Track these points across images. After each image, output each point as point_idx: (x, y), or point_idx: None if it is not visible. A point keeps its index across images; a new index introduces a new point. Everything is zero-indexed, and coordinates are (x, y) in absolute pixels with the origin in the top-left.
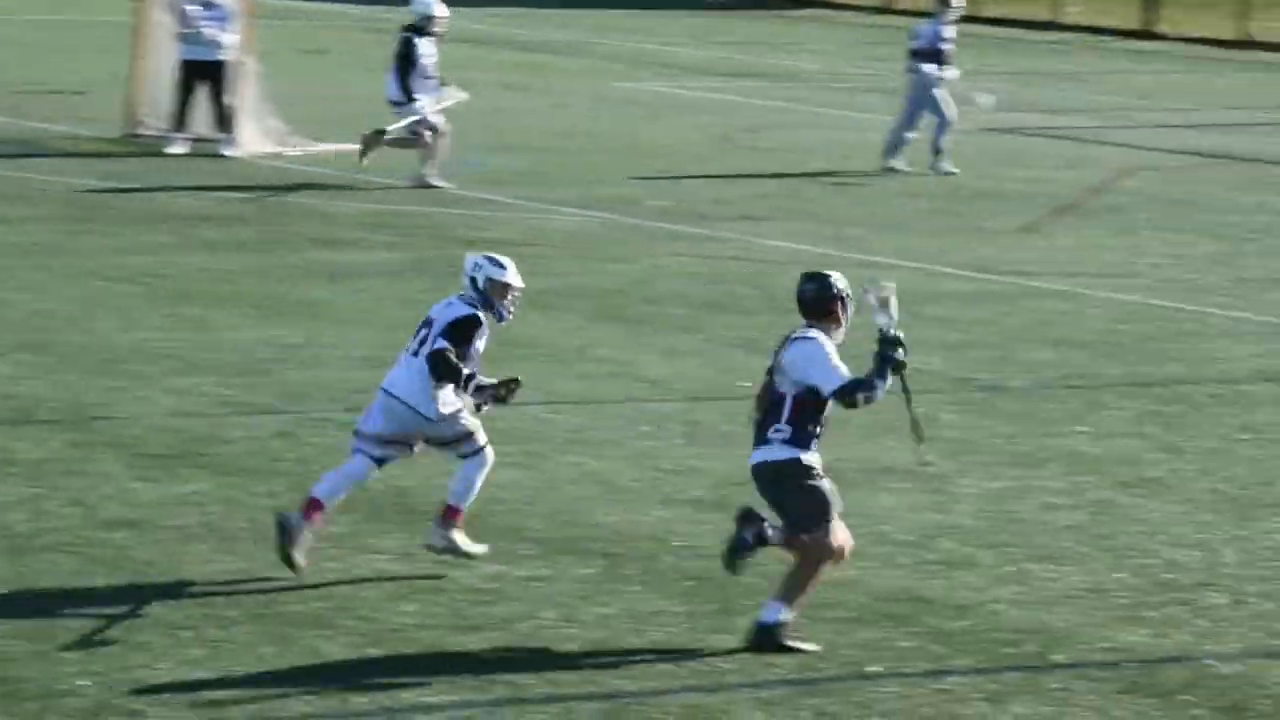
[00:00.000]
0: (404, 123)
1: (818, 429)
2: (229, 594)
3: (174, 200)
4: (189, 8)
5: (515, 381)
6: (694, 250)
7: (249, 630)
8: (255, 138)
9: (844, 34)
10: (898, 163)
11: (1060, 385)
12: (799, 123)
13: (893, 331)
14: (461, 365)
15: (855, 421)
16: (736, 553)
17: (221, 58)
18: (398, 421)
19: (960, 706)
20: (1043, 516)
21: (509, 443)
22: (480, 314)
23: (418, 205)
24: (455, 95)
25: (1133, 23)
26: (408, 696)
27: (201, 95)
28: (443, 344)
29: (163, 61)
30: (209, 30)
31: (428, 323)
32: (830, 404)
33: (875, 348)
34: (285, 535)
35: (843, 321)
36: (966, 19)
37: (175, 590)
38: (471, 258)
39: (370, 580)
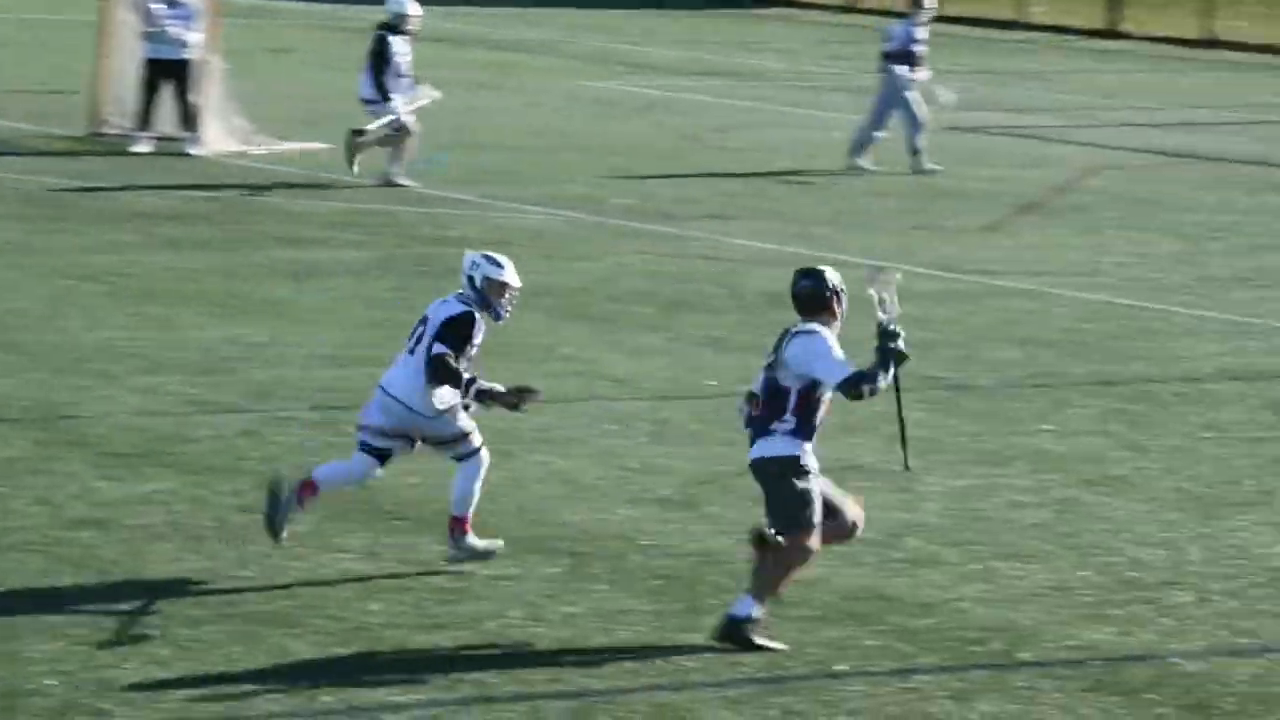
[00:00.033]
0: (382, 122)
1: (819, 422)
2: (195, 593)
3: (139, 199)
4: (154, 6)
5: (531, 390)
6: (660, 249)
7: (216, 629)
8: (220, 136)
9: (809, 33)
10: (864, 161)
11: (1025, 384)
12: (765, 122)
13: (892, 325)
14: (461, 370)
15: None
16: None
17: (186, 56)
18: (395, 418)
19: (927, 705)
20: (1008, 515)
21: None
22: (475, 312)
23: (383, 204)
24: (429, 94)
25: (1097, 22)
26: (375, 695)
27: (166, 94)
28: (441, 348)
29: (128, 60)
30: (174, 29)
31: (423, 320)
32: (830, 397)
33: (875, 341)
34: (273, 505)
35: (838, 315)
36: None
37: (142, 589)
38: (469, 256)
39: (337, 579)
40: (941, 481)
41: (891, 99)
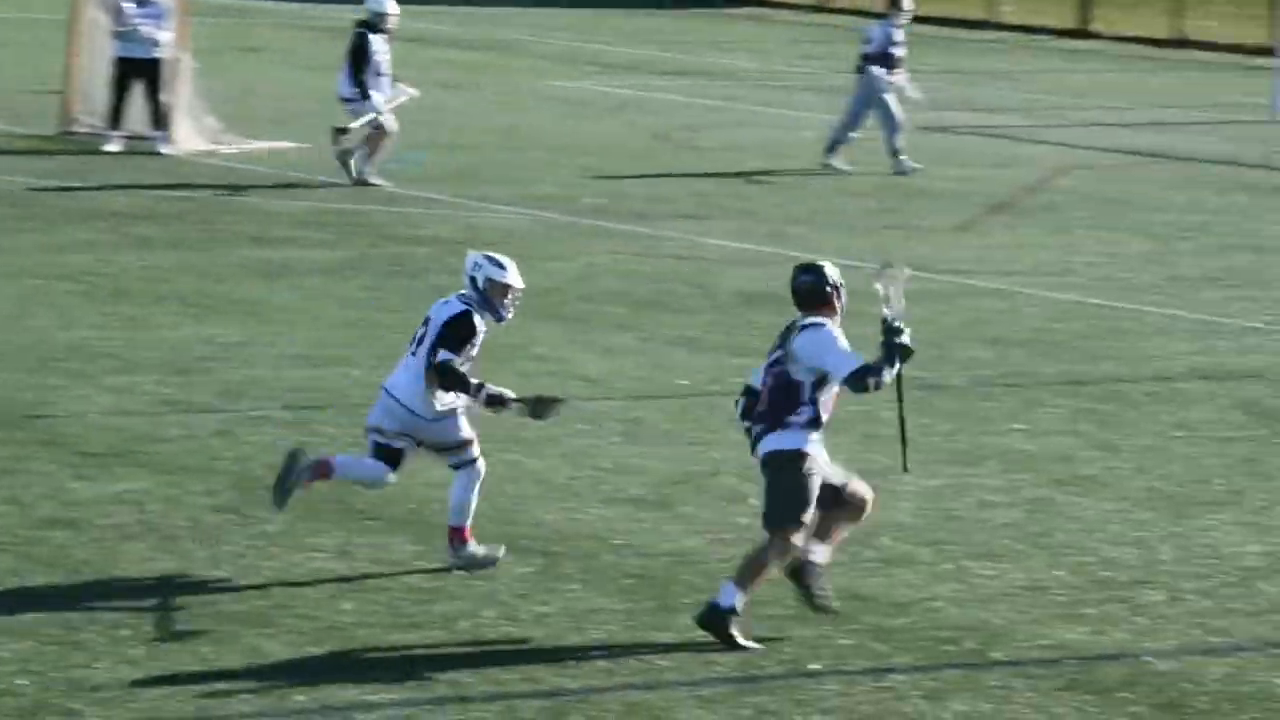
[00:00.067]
0: (365, 119)
1: (825, 414)
2: (168, 593)
3: (111, 198)
4: (125, 5)
5: (555, 401)
6: (633, 249)
7: (188, 629)
8: (191, 136)
9: (780, 32)
10: (837, 161)
11: (997, 383)
12: (736, 121)
13: (897, 321)
14: (468, 376)
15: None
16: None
17: (157, 55)
18: (398, 421)
19: (900, 704)
20: (980, 514)
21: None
22: (474, 313)
23: (354, 203)
24: (407, 91)
25: (1067, 22)
26: (348, 695)
27: (137, 93)
28: (446, 355)
29: (98, 59)
30: (145, 28)
31: (425, 322)
32: (838, 390)
33: (880, 337)
34: (287, 471)
35: (838, 310)
36: (885, 15)
37: (113, 589)
38: (472, 257)
39: (310, 579)
40: (914, 481)
41: (868, 100)
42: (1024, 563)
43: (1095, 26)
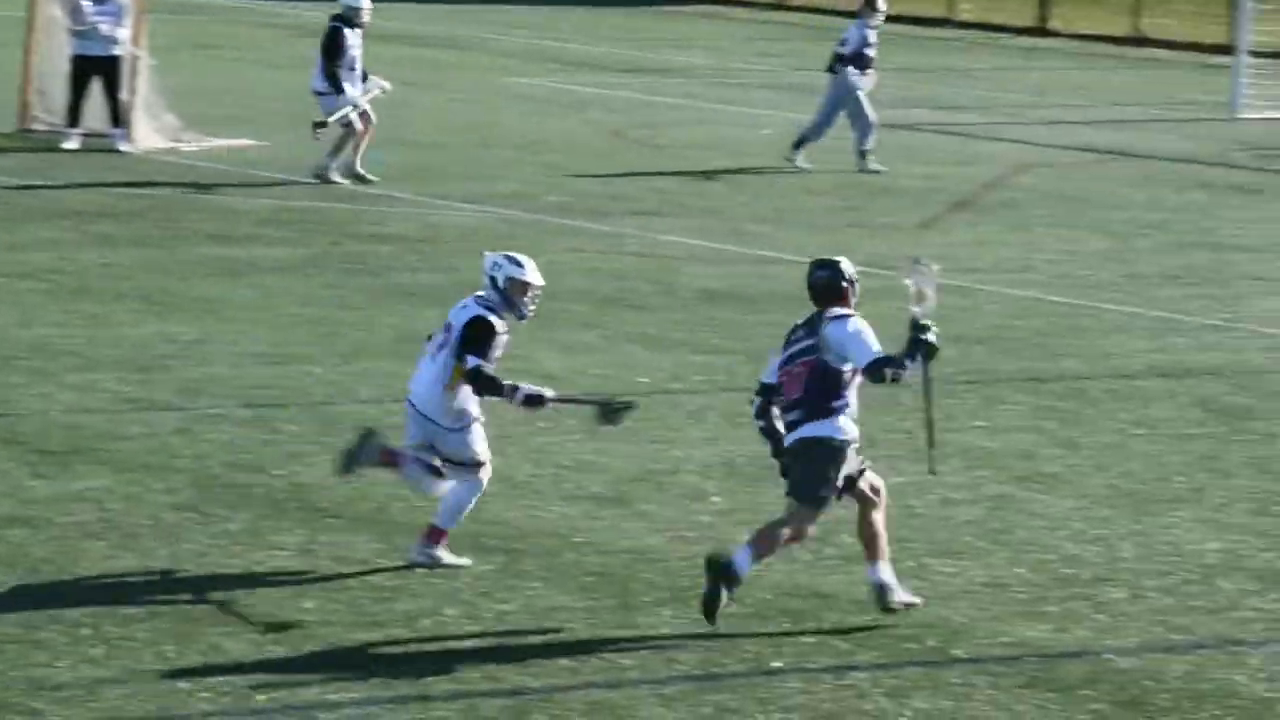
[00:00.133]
0: (342, 113)
1: (855, 403)
2: (128, 591)
3: (71, 196)
4: (83, 3)
5: (627, 406)
6: (594, 246)
7: (149, 628)
8: (149, 133)
9: (737, 30)
10: (800, 159)
11: (957, 380)
12: (695, 119)
13: (925, 319)
14: (501, 379)
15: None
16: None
17: (116, 53)
18: (420, 429)
19: (862, 701)
20: (941, 511)
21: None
22: (490, 315)
23: (315, 201)
24: (380, 84)
25: (1026, 20)
26: (310, 694)
27: (95, 91)
28: (475, 360)
29: (56, 57)
30: (103, 26)
31: (447, 327)
32: (860, 381)
33: (907, 332)
34: (360, 449)
35: (851, 305)
36: (859, 15)
37: (74, 588)
38: (490, 257)
39: (271, 577)
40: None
41: (840, 101)
42: (985, 560)
43: (1054, 24)
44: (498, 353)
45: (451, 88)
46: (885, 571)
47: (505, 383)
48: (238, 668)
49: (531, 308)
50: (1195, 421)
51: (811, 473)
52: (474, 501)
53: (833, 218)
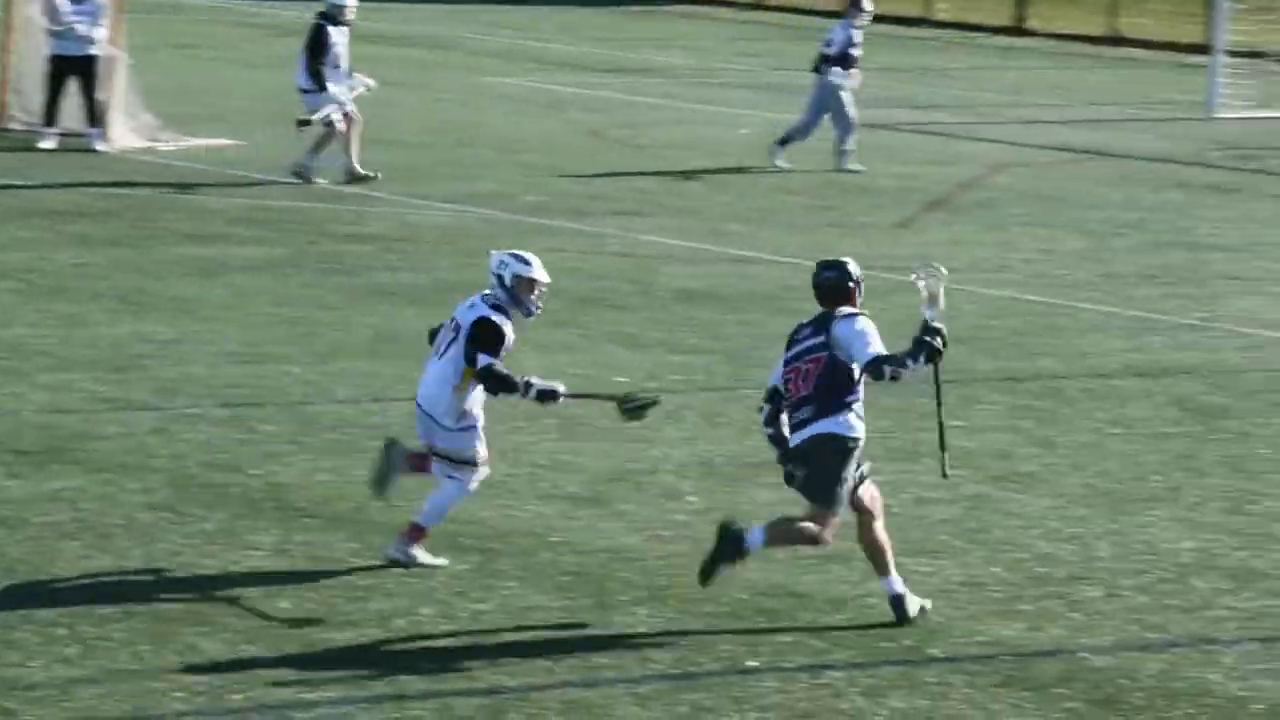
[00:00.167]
0: (326, 110)
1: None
2: (103, 591)
3: (47, 195)
4: (59, 3)
5: (651, 403)
6: (573, 246)
7: (124, 627)
8: (126, 133)
9: (716, 30)
10: (780, 159)
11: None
12: (674, 119)
13: (935, 322)
14: (513, 375)
15: (727, 417)
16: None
17: (93, 52)
18: (425, 429)
19: (838, 700)
20: (917, 511)
21: (382, 439)
22: (495, 315)
23: (291, 200)
24: (365, 82)
25: (1003, 19)
26: (285, 693)
27: (72, 90)
28: (486, 359)
29: (33, 56)
30: (80, 25)
31: (455, 327)
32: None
33: (915, 333)
34: (387, 464)
35: (857, 305)
36: (839, 14)
37: (48, 588)
38: (496, 256)
39: (247, 576)
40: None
41: (825, 101)
42: (961, 559)
43: (1031, 24)
44: (503, 352)
45: (430, 87)
46: (898, 583)
47: (518, 379)
48: (213, 667)
49: (539, 305)
50: (1171, 421)
51: (823, 472)
52: (460, 503)
53: (811, 217)
